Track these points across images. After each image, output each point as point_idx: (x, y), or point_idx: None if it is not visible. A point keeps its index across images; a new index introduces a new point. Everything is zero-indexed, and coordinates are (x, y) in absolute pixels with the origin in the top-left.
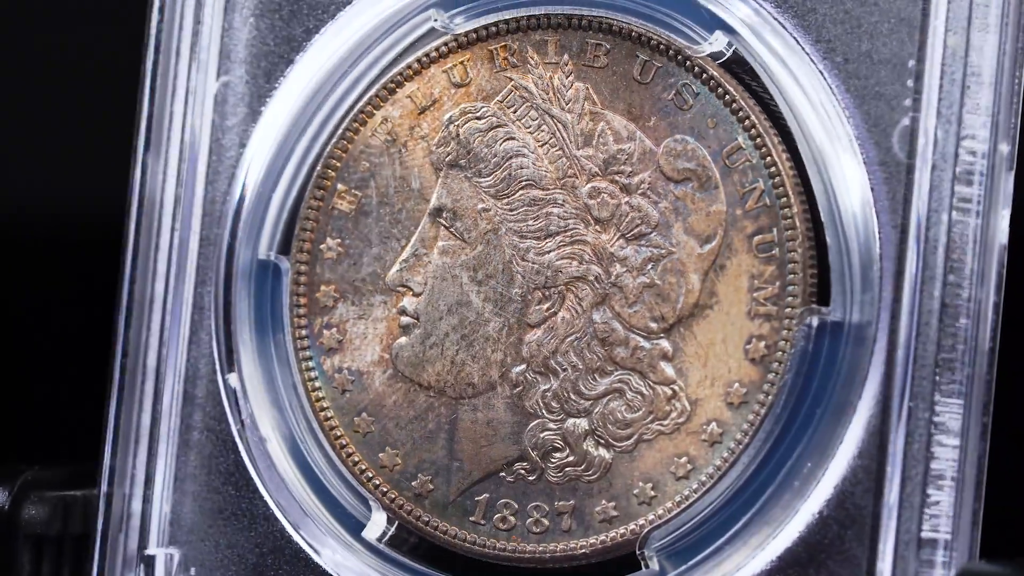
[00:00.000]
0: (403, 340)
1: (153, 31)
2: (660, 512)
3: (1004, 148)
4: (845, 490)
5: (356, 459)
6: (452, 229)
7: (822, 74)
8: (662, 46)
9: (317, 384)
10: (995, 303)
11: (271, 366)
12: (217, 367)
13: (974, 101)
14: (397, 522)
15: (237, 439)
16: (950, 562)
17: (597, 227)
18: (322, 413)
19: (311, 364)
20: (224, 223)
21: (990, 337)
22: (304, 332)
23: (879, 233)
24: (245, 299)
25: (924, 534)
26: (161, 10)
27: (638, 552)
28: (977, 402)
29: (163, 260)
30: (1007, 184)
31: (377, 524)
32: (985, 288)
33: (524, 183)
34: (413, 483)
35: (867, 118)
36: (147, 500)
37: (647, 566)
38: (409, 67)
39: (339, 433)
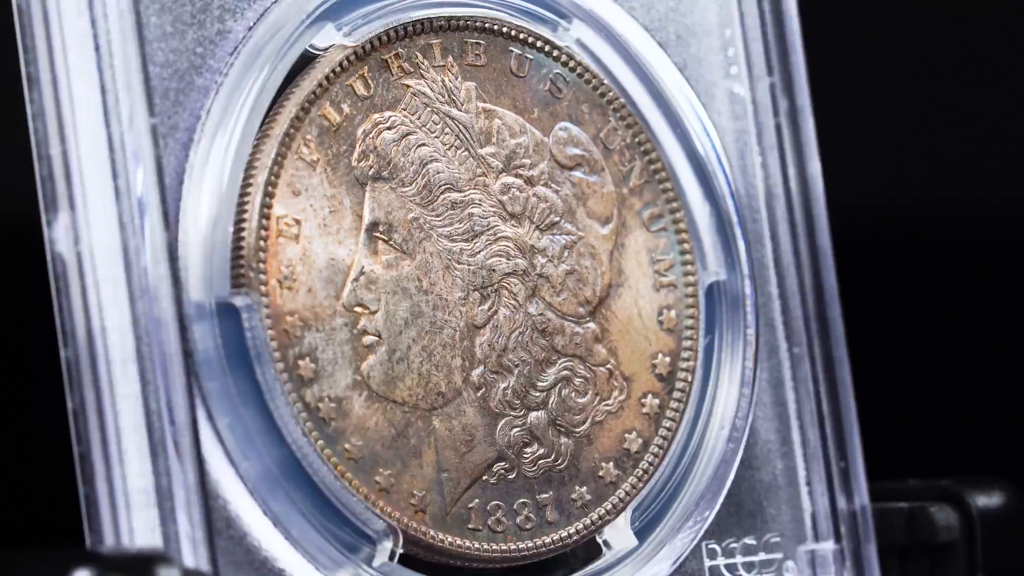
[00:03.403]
0: (372, 360)
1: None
2: (627, 489)
3: (801, 101)
4: (764, 440)
5: (357, 485)
6: (391, 242)
7: (661, 49)
8: (530, 39)
9: (305, 417)
10: (823, 247)
11: (260, 407)
12: (204, 415)
13: (778, 59)
14: (412, 544)
15: (252, 486)
16: (854, 487)
17: (513, 222)
18: (318, 444)
19: (295, 397)
20: (175, 267)
21: (830, 284)
22: (281, 366)
23: (745, 195)
24: (213, 342)
25: (834, 466)
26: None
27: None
28: (837, 340)
29: (120, 312)
30: (811, 135)
31: (394, 549)
32: (820, 236)
33: (443, 187)
34: (412, 501)
35: (703, 89)
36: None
37: (622, 543)
38: (320, 84)
39: (336, 462)
